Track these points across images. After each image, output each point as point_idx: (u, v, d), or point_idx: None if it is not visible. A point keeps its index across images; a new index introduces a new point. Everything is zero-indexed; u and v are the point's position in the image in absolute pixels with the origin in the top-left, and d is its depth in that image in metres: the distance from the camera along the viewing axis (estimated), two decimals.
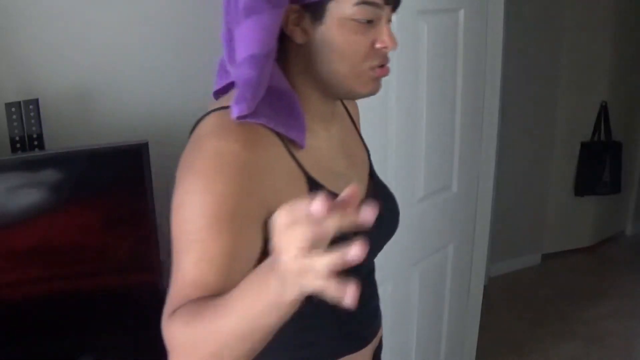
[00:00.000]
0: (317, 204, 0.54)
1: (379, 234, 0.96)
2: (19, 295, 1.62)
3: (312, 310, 0.75)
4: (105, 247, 1.74)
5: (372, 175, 1.07)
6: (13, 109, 1.65)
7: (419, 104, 1.91)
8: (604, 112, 3.70)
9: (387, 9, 0.86)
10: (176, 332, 0.69)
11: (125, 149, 1.72)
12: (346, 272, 0.57)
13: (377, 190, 1.04)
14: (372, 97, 0.94)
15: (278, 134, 0.84)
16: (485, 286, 2.48)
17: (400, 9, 0.91)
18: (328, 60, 0.86)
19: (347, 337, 1.01)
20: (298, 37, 0.86)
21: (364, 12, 0.83)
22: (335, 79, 0.88)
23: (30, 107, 1.67)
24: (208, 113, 0.87)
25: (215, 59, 2.16)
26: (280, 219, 0.57)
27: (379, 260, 1.10)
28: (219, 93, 0.98)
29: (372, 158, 1.12)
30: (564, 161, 3.74)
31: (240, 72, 0.81)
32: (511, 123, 3.34)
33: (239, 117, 0.80)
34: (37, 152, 1.67)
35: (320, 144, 0.92)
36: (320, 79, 0.89)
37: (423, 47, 1.86)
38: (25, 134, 1.67)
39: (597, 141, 3.74)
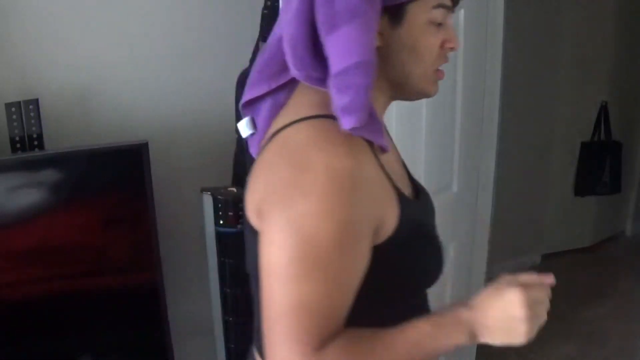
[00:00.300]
0: (548, 279, 0.85)
1: None
2: (19, 295, 1.62)
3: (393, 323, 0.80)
4: (105, 247, 1.74)
5: (408, 173, 1.08)
6: (13, 109, 1.65)
7: (419, 103, 1.90)
8: (604, 112, 3.69)
9: (451, 11, 0.89)
10: None
11: (125, 149, 1.72)
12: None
13: (417, 189, 1.04)
14: None
15: (366, 140, 0.82)
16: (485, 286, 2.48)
17: None
18: (404, 61, 0.87)
19: None
20: (376, 40, 0.85)
21: (439, 14, 0.86)
22: (409, 80, 0.89)
23: (30, 107, 1.67)
24: (290, 124, 0.82)
25: (214, 60, 2.17)
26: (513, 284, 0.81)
27: None
28: (251, 103, 0.95)
29: None
30: (564, 161, 3.74)
31: (349, 80, 0.78)
32: (511, 123, 3.34)
33: (352, 129, 0.77)
34: (37, 152, 1.67)
35: None
36: (393, 81, 0.89)
37: None
38: (25, 134, 1.67)
39: (597, 141, 3.73)
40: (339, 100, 0.78)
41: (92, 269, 1.73)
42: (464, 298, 0.81)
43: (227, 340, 1.92)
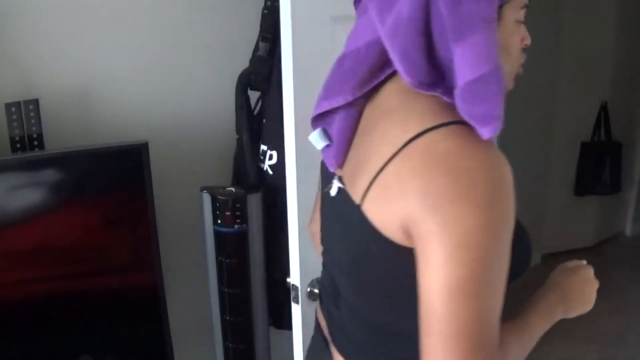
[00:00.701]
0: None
1: None
2: (19, 295, 1.63)
3: None
4: (105, 247, 1.74)
5: None
6: (13, 109, 1.65)
7: None
8: (604, 112, 3.70)
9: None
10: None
11: (125, 149, 1.73)
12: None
13: None
14: None
15: None
16: None
17: None
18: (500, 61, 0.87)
19: None
20: None
21: (523, 13, 0.91)
22: None
23: (30, 107, 1.67)
24: (423, 132, 0.78)
25: (214, 60, 2.16)
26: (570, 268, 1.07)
27: None
28: (322, 116, 0.93)
29: None
30: (564, 161, 3.74)
31: (483, 89, 0.75)
32: (511, 123, 3.32)
33: (490, 137, 0.76)
34: (37, 152, 1.67)
35: None
36: None
37: None
38: (25, 134, 1.67)
39: (597, 141, 3.73)
40: (470, 109, 0.76)
41: (92, 269, 1.73)
42: None
43: (225, 339, 1.92)
